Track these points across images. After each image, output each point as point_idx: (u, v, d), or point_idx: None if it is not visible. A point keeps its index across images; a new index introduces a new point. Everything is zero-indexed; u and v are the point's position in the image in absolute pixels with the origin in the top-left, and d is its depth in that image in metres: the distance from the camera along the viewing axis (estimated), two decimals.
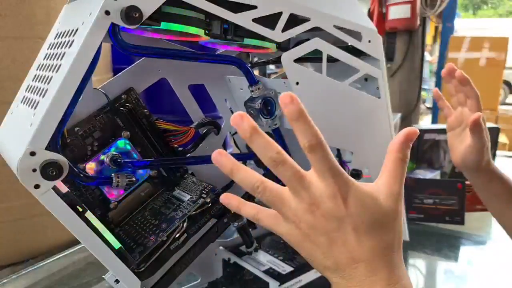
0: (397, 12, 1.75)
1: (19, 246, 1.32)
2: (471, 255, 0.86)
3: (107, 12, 0.34)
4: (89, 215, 0.40)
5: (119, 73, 0.52)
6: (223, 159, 0.30)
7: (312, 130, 0.29)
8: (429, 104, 4.85)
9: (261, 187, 0.30)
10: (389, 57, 1.86)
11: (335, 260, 0.29)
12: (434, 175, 1.05)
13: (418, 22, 1.77)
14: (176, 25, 0.41)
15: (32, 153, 0.32)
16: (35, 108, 0.35)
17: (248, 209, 0.33)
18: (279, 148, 0.30)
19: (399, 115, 1.16)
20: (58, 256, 0.89)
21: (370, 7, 1.91)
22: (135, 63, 0.53)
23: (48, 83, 0.36)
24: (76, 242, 0.89)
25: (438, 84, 3.61)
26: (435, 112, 3.64)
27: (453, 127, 0.63)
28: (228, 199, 0.34)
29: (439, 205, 0.96)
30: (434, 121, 3.56)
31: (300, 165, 0.31)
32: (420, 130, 1.22)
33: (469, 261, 0.85)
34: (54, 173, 0.32)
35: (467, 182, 0.99)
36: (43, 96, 0.35)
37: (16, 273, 0.83)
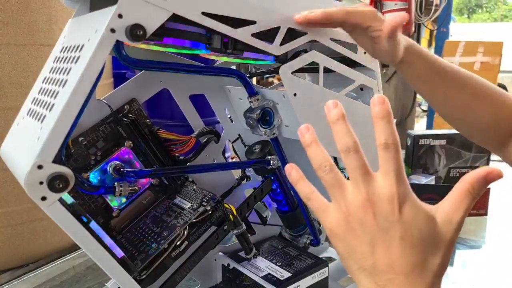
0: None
1: (19, 250, 1.33)
2: (466, 259, 0.88)
3: (113, 30, 0.35)
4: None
5: (122, 85, 0.54)
6: (308, 132, 0.33)
7: (392, 130, 0.30)
8: (424, 107, 4.88)
9: (328, 167, 0.31)
10: (385, 63, 1.88)
11: (374, 263, 0.29)
12: (429, 180, 1.07)
13: (413, 28, 1.80)
14: (178, 40, 0.43)
15: (40, 166, 0.33)
16: (41, 121, 0.37)
17: (305, 186, 0.32)
18: (356, 139, 0.30)
19: (394, 121, 1.17)
20: (58, 262, 0.90)
21: None
22: (137, 74, 0.55)
23: (55, 97, 0.37)
24: (76, 247, 0.89)
25: None
26: (431, 115, 3.67)
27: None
28: (292, 169, 0.33)
29: None
30: (429, 124, 3.59)
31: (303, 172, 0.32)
32: (415, 136, 1.24)
33: (463, 264, 0.86)
34: (61, 185, 0.34)
35: None
36: (49, 111, 0.36)
37: (17, 279, 0.84)
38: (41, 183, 0.33)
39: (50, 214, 0.35)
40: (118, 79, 0.83)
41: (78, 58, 0.37)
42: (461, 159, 1.25)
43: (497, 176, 0.28)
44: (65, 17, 1.30)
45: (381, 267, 0.28)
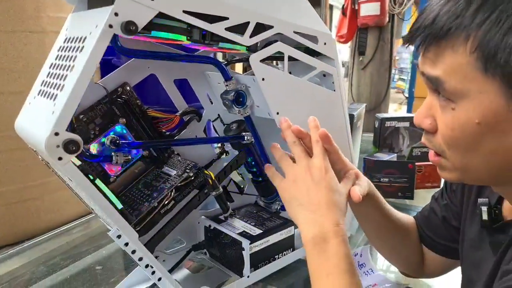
0: (368, 9, 1.88)
1: (14, 228, 1.40)
2: None
3: (110, 26, 0.44)
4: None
5: (115, 70, 0.62)
6: (285, 121, 0.56)
7: (317, 137, 0.54)
8: (407, 94, 5.06)
9: (297, 142, 0.54)
10: (361, 51, 1.99)
11: (308, 200, 0.47)
12: (391, 157, 1.19)
13: (387, 18, 1.91)
14: (164, 33, 0.52)
15: (56, 133, 0.42)
16: (54, 99, 0.46)
17: (291, 135, 0.55)
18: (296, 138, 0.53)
19: (364, 105, 1.29)
20: (51, 236, 0.96)
21: (344, 4, 2.03)
22: (128, 61, 0.64)
23: (64, 80, 0.46)
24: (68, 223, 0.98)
25: (413, 73, 3.80)
26: (410, 101, 3.85)
27: None
28: (284, 120, 0.57)
29: (393, 183, 1.11)
30: (409, 109, 3.76)
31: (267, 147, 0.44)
32: (382, 119, 1.36)
33: None
34: (74, 148, 0.43)
35: (417, 163, 1.14)
36: (60, 90, 0.45)
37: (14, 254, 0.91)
38: (57, 146, 0.43)
39: (64, 171, 0.44)
40: (104, 65, 0.90)
41: (83, 48, 0.46)
42: None
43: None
44: (53, 5, 1.35)
45: (313, 202, 0.46)
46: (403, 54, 6.64)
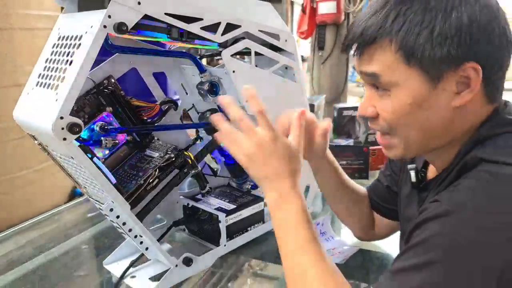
0: (325, 8, 2.02)
1: None
2: None
3: (105, 26, 0.52)
4: None
5: (100, 64, 0.70)
6: (225, 99, 0.54)
7: (259, 107, 0.53)
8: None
9: (242, 117, 0.54)
10: (320, 47, 2.13)
11: (266, 172, 0.52)
12: (348, 142, 1.33)
13: (343, 16, 2.06)
14: (148, 32, 0.60)
15: (61, 117, 0.50)
16: (55, 89, 0.53)
17: (236, 110, 0.54)
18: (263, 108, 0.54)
19: (323, 96, 1.41)
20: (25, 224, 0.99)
21: (304, 3, 2.16)
22: (112, 57, 0.71)
23: (64, 72, 0.53)
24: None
25: None
26: None
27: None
28: (222, 98, 0.55)
29: (350, 165, 1.24)
30: None
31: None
32: (339, 108, 1.50)
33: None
34: (77, 129, 0.51)
35: (371, 147, 1.28)
36: (61, 81, 0.53)
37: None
38: (62, 128, 0.50)
39: (68, 150, 0.52)
40: None
41: (80, 45, 0.53)
42: None
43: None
44: (21, 3, 1.35)
45: (271, 172, 0.53)
46: None
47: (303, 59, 3.44)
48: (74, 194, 1.78)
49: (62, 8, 0.65)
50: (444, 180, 0.50)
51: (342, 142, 1.33)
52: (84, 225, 0.98)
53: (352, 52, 0.51)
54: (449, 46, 0.44)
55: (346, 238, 0.91)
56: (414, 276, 0.39)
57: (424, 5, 0.45)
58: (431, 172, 0.60)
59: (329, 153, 0.72)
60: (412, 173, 0.60)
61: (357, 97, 6.66)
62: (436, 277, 0.38)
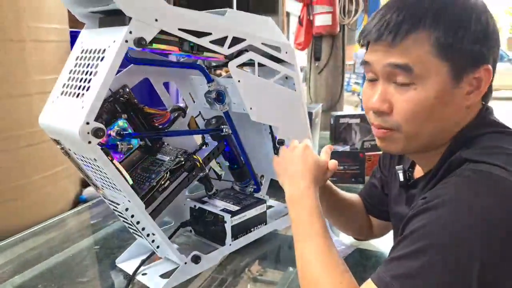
0: (321, 20, 2.10)
1: None
2: None
3: (126, 41, 0.58)
4: None
5: (117, 74, 0.75)
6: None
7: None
8: (361, 97, 5.45)
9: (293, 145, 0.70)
10: (317, 57, 2.21)
11: (290, 169, 0.65)
12: (344, 148, 1.39)
13: (339, 28, 2.14)
14: (162, 45, 0.66)
15: (87, 123, 0.55)
16: (81, 97, 0.58)
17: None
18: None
19: (320, 105, 1.48)
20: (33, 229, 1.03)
21: (300, 15, 2.25)
22: (127, 68, 0.76)
23: (88, 82, 0.59)
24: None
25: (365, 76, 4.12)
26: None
27: None
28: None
29: (347, 170, 1.30)
30: (363, 110, 4.08)
31: (246, 137, 0.58)
32: (336, 116, 1.56)
33: None
34: (100, 134, 0.56)
35: (367, 153, 1.34)
36: (86, 90, 0.58)
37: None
38: (88, 133, 0.55)
39: (92, 152, 0.57)
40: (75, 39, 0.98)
41: (103, 57, 0.59)
42: (372, 134, 1.60)
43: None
44: (31, 15, 1.41)
45: (293, 170, 0.63)
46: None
47: (300, 69, 3.52)
48: (79, 201, 1.82)
49: (72, 22, 0.71)
50: (432, 179, 0.53)
51: (339, 148, 1.38)
52: (93, 228, 1.02)
53: (376, 42, 0.51)
54: (475, 46, 0.48)
55: (344, 238, 0.96)
56: (405, 263, 0.43)
57: (462, 4, 0.49)
58: (418, 171, 0.65)
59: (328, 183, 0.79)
60: (400, 174, 0.64)
61: (352, 106, 6.75)
62: (423, 264, 0.41)
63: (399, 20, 0.49)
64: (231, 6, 4.09)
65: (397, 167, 0.66)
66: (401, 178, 0.64)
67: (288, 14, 7.09)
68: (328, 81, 2.29)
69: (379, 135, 0.55)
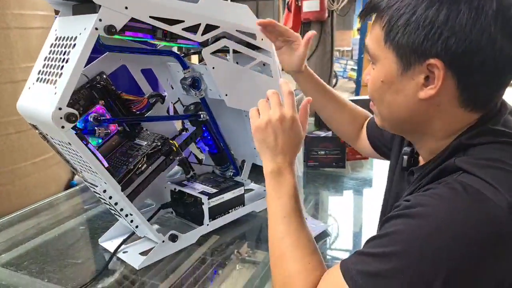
0: (309, 6, 2.11)
1: None
2: (348, 186, 1.25)
3: (96, 28, 0.60)
4: None
5: (93, 62, 0.77)
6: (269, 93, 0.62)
7: (286, 89, 0.62)
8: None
9: (275, 95, 0.61)
10: None
11: (275, 145, 0.58)
12: (327, 134, 1.41)
13: (327, 14, 2.14)
14: (134, 33, 0.68)
15: (60, 108, 0.58)
16: (54, 84, 0.61)
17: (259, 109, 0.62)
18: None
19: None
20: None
21: (289, 1, 2.25)
22: (104, 55, 0.79)
23: (61, 69, 0.61)
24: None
25: (360, 63, 4.15)
26: (358, 90, 4.22)
27: (281, 47, 0.85)
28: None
29: (328, 155, 1.33)
30: (357, 94, 4.15)
31: (226, 123, 0.60)
32: None
33: (346, 190, 1.23)
34: (73, 119, 0.59)
35: None
36: (59, 77, 0.61)
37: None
38: (61, 118, 0.58)
39: (66, 136, 0.60)
40: None
41: (75, 45, 0.61)
42: None
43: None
44: (15, 3, 1.41)
45: (277, 145, 0.59)
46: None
47: None
48: (70, 186, 1.86)
49: (57, 10, 0.72)
50: (425, 177, 0.52)
51: (322, 133, 1.41)
52: (80, 210, 1.06)
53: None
54: (417, 36, 0.45)
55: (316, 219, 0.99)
56: (373, 263, 0.43)
57: None
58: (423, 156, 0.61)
59: (307, 66, 0.82)
60: (405, 158, 0.62)
61: (348, 93, 6.74)
62: (390, 268, 0.42)
63: (370, 1, 0.51)
64: None
65: (404, 149, 0.63)
66: (405, 163, 0.62)
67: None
68: (317, 67, 2.30)
69: (371, 107, 0.58)
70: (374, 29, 0.50)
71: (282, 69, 0.90)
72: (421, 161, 0.60)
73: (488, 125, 0.48)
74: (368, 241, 0.47)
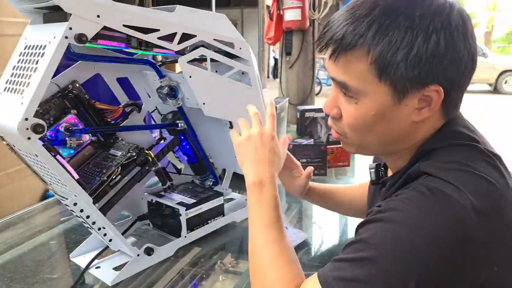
0: (291, 15, 2.12)
1: None
2: None
3: (66, 37, 0.59)
4: None
5: (65, 70, 0.75)
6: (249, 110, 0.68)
7: (270, 111, 0.68)
8: None
9: (256, 115, 0.67)
10: (288, 52, 2.23)
11: (254, 158, 0.62)
12: (308, 142, 1.42)
13: (308, 23, 2.17)
14: (108, 42, 0.66)
15: (26, 119, 0.56)
16: (21, 94, 0.59)
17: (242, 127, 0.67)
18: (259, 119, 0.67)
19: (286, 99, 1.50)
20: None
21: (271, 10, 2.26)
22: (77, 63, 0.77)
23: (29, 78, 0.59)
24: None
25: None
26: None
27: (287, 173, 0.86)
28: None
29: (310, 163, 1.33)
30: None
31: (206, 132, 0.59)
32: (302, 110, 1.59)
33: None
34: (40, 130, 0.56)
35: (330, 146, 1.38)
36: (26, 87, 0.58)
37: None
38: (27, 129, 0.56)
39: (33, 148, 0.57)
40: None
41: (44, 54, 0.59)
42: None
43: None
44: (9, 11, 1.37)
45: (258, 158, 0.62)
46: None
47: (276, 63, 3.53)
48: (46, 197, 1.80)
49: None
50: (394, 184, 0.53)
51: (303, 141, 1.42)
52: (54, 223, 1.02)
53: (327, 53, 0.51)
54: (421, 68, 0.45)
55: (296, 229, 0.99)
56: (349, 268, 0.44)
57: (409, 23, 0.45)
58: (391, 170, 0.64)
59: (313, 184, 0.84)
60: (372, 171, 0.64)
61: None
62: (364, 273, 0.43)
63: (340, 35, 0.48)
64: (210, 1, 4.06)
65: (370, 164, 0.65)
66: (373, 177, 0.64)
67: (268, 7, 7.07)
68: (299, 75, 2.32)
69: (334, 136, 0.58)
70: (350, 66, 0.48)
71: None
72: (390, 172, 0.62)
73: (450, 127, 0.51)
74: (344, 248, 0.48)
